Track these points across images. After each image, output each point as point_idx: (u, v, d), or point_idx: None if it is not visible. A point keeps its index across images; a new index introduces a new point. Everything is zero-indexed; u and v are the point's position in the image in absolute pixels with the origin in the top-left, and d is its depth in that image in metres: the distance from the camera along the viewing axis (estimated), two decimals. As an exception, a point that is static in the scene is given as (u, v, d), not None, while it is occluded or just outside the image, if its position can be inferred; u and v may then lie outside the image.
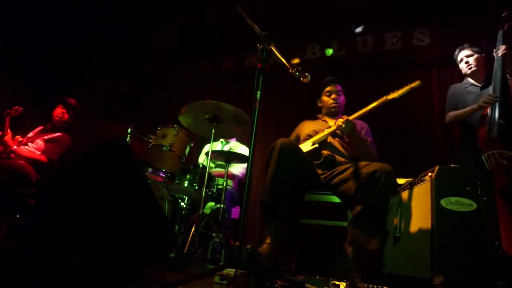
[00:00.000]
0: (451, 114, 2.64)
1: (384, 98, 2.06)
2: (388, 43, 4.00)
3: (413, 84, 2.02)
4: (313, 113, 2.65)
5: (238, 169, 3.50)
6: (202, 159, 3.66)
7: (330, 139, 2.25)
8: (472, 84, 2.64)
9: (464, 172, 1.75)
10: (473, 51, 2.64)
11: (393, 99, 2.04)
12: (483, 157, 2.10)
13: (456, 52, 2.74)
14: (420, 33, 3.86)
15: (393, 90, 2.06)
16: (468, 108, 2.47)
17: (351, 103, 2.52)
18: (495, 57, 2.37)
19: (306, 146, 2.19)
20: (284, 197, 1.70)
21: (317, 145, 2.14)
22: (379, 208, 1.70)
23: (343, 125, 1.99)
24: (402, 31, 3.96)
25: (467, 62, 2.65)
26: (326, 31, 4.30)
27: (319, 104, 2.56)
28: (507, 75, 2.32)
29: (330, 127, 2.21)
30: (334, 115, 2.44)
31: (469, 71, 2.65)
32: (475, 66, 2.61)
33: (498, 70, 2.30)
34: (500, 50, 2.35)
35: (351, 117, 2.04)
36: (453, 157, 3.27)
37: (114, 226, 1.44)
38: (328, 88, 2.46)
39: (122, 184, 1.51)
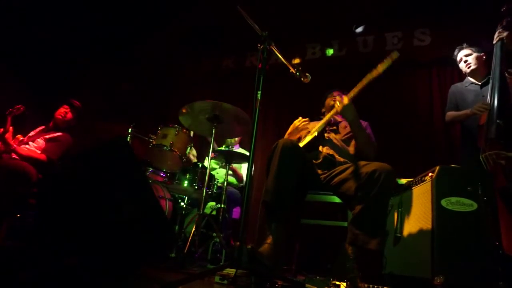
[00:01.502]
0: (450, 114, 2.66)
1: (368, 75, 2.04)
2: (389, 43, 4.00)
3: (392, 55, 2.01)
4: (313, 112, 2.66)
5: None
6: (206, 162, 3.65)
7: (328, 134, 2.25)
8: (472, 83, 2.65)
9: (464, 172, 1.75)
10: (472, 50, 2.67)
11: (378, 74, 2.02)
12: (480, 158, 2.10)
13: (456, 52, 2.77)
14: (420, 33, 3.86)
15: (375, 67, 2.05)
16: (462, 112, 2.51)
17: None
18: (494, 44, 2.37)
19: (306, 139, 2.19)
20: (287, 197, 1.70)
21: (316, 134, 2.14)
22: (379, 208, 1.70)
23: (343, 100, 1.98)
24: (403, 31, 3.96)
25: (466, 61, 2.68)
26: (326, 31, 4.30)
27: (323, 110, 2.61)
28: (506, 73, 2.32)
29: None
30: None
31: (468, 70, 2.67)
32: (474, 64, 2.63)
33: (497, 67, 2.30)
34: (497, 34, 2.35)
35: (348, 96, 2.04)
36: (454, 157, 3.27)
37: (114, 225, 1.44)
38: (330, 94, 2.57)
39: (122, 183, 1.51)
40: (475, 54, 2.64)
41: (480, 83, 2.60)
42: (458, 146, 3.38)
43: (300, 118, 2.27)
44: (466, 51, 2.69)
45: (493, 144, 2.08)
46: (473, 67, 2.63)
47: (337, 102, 2.01)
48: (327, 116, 2.18)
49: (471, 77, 2.68)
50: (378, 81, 2.10)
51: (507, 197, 1.82)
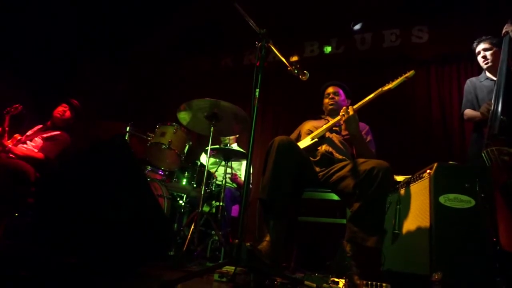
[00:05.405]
0: (466, 113, 2.61)
1: (380, 89, 2.06)
2: (387, 41, 4.00)
3: (408, 74, 2.03)
4: (311, 110, 2.66)
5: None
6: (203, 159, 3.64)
7: (329, 134, 2.25)
8: (488, 78, 2.60)
9: (462, 169, 1.76)
10: (491, 44, 2.57)
11: (389, 89, 2.04)
12: (483, 154, 2.10)
13: (475, 44, 2.68)
14: (418, 30, 3.87)
15: (389, 82, 2.08)
16: (475, 115, 2.49)
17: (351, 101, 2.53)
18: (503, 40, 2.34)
19: (305, 141, 2.19)
20: (283, 194, 1.71)
21: (316, 140, 2.14)
22: (377, 205, 1.70)
23: (349, 111, 2.01)
24: (401, 28, 3.96)
25: (484, 57, 2.60)
26: (324, 28, 4.30)
27: (324, 108, 2.60)
28: None
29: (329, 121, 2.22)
30: (333, 113, 2.46)
31: (485, 66, 2.61)
32: (492, 61, 2.56)
33: (504, 63, 2.27)
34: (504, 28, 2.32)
35: (354, 107, 2.06)
36: (452, 154, 3.28)
37: (113, 224, 1.44)
38: (327, 91, 2.54)
39: (121, 182, 1.51)
40: (494, 49, 2.56)
41: (495, 79, 2.50)
42: (457, 143, 3.39)
43: None
44: (485, 44, 2.59)
45: (495, 140, 2.08)
46: (490, 64, 2.57)
47: (342, 111, 2.04)
48: (330, 124, 2.17)
49: (488, 72, 2.62)
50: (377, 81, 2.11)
51: (508, 193, 1.82)
